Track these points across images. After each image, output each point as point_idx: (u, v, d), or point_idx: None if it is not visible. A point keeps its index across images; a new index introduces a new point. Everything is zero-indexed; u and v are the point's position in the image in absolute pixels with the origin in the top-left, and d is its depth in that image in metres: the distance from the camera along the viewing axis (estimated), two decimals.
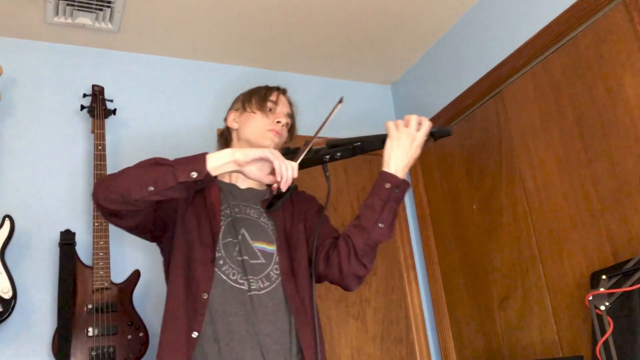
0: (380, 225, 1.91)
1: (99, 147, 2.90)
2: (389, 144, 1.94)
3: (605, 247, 2.55)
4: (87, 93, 3.10)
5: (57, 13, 3.01)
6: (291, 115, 2.27)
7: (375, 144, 1.99)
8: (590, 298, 2.08)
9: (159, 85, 3.43)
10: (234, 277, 1.89)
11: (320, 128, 1.95)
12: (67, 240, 2.81)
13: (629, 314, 2.22)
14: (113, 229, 2.74)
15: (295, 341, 1.89)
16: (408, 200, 3.85)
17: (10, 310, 2.61)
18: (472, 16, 3.35)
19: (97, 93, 3.08)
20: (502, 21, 3.13)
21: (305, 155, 1.95)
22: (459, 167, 3.45)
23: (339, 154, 1.98)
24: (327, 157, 1.99)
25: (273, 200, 2.04)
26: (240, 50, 3.53)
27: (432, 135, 1.97)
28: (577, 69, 2.73)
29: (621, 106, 2.52)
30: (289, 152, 2.07)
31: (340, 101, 1.98)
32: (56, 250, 2.81)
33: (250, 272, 1.91)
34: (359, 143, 1.98)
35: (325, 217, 2.15)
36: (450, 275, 3.49)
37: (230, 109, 2.30)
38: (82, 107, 3.07)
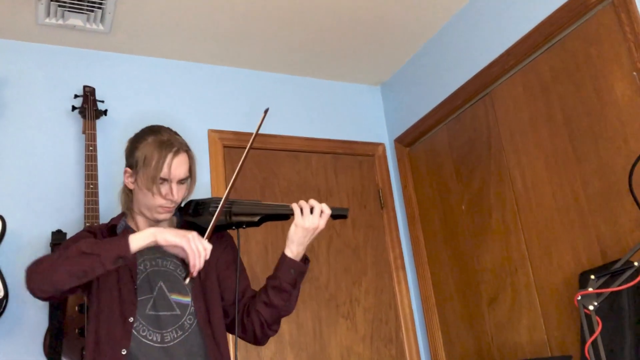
0: (288, 303, 2.12)
1: (90, 148, 2.89)
2: (293, 228, 2.08)
3: (594, 247, 2.58)
4: (78, 94, 3.10)
5: (48, 14, 3.01)
6: (189, 172, 2.13)
7: (279, 217, 2.15)
8: (579, 298, 2.07)
9: (151, 86, 3.43)
10: (144, 334, 1.98)
11: (229, 192, 2.05)
12: (58, 240, 2.78)
13: (617, 314, 2.25)
14: None
15: None
16: (397, 200, 3.87)
17: (1, 310, 2.61)
18: (462, 17, 3.36)
19: (88, 94, 3.07)
20: (492, 22, 3.15)
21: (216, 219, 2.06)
22: (449, 168, 3.47)
23: (244, 225, 2.13)
24: (234, 226, 2.13)
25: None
26: (230, 52, 3.53)
27: (332, 217, 2.13)
28: (566, 70, 2.75)
29: (610, 107, 2.55)
30: (198, 207, 2.15)
31: (266, 112, 2.16)
32: (47, 251, 2.79)
33: (165, 325, 2.01)
34: (261, 216, 2.12)
35: (241, 267, 2.26)
36: (439, 275, 3.51)
37: (126, 163, 2.14)
38: (73, 108, 3.07)
